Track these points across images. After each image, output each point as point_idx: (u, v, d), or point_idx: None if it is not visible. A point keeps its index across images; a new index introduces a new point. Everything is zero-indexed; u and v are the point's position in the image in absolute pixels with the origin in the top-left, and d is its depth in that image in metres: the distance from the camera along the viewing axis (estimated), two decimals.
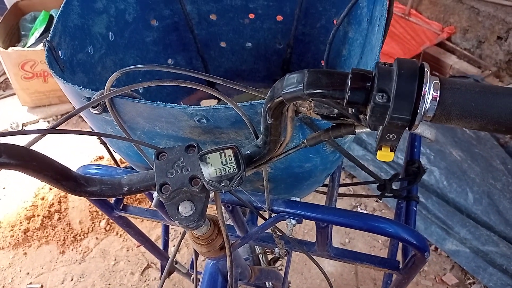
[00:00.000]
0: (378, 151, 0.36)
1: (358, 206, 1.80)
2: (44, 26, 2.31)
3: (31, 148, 0.42)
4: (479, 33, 2.33)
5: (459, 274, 1.56)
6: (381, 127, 0.34)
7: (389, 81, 0.32)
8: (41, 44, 2.24)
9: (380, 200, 1.68)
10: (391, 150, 0.36)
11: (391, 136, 0.34)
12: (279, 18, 0.88)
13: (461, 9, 2.35)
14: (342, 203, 1.79)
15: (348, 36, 0.76)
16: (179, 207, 0.46)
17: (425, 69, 0.32)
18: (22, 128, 2.29)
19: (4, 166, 0.39)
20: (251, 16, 0.90)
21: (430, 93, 0.31)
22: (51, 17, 2.36)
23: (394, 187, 0.76)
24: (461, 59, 2.41)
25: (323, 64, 0.86)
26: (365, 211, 1.79)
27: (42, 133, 0.44)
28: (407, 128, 0.33)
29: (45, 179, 0.43)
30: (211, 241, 0.55)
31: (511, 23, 2.15)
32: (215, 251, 0.57)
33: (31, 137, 0.46)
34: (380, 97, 0.32)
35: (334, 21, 0.82)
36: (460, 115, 0.32)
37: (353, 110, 0.36)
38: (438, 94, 0.31)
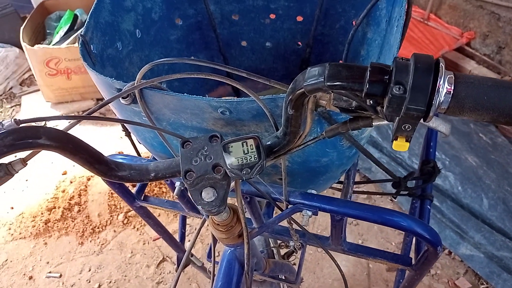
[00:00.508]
0: (394, 141, 0.38)
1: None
2: (69, 25, 2.38)
3: (67, 132, 0.46)
4: (499, 38, 2.31)
5: (473, 279, 1.56)
6: (397, 118, 0.36)
7: (406, 74, 0.34)
8: (66, 42, 2.32)
9: (395, 198, 1.68)
10: (407, 141, 0.38)
11: (406, 127, 0.36)
12: (299, 18, 0.90)
13: (481, 14, 2.34)
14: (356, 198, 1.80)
15: (367, 37, 0.78)
16: (202, 193, 0.49)
17: (440, 63, 0.34)
18: (45, 124, 2.36)
19: (44, 147, 0.43)
20: (272, 16, 0.92)
21: (445, 86, 0.33)
22: (75, 17, 2.43)
23: (409, 186, 0.77)
24: (480, 64, 2.39)
25: None
26: None
27: (78, 119, 0.47)
28: (422, 120, 0.35)
29: (80, 161, 0.46)
30: (230, 228, 0.58)
31: None
32: (234, 238, 0.59)
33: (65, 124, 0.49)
34: (397, 89, 0.34)
35: (353, 22, 0.84)
36: (473, 107, 0.34)
37: (371, 102, 0.38)
38: (452, 88, 0.33)
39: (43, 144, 0.42)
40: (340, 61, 0.89)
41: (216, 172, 0.48)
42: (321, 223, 1.76)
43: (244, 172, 0.47)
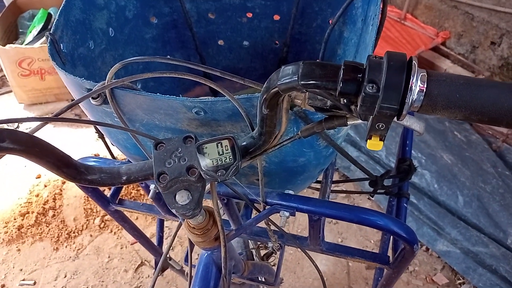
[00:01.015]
0: (368, 140, 0.38)
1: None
2: (42, 24, 2.32)
3: (33, 135, 0.44)
4: (473, 38, 2.36)
5: (450, 274, 1.59)
6: (371, 117, 0.36)
7: (379, 72, 0.33)
8: (39, 41, 2.26)
9: (372, 197, 1.70)
10: (380, 139, 0.37)
11: (380, 126, 0.36)
12: (276, 17, 0.89)
13: (456, 14, 2.39)
14: (334, 197, 1.81)
15: (343, 36, 0.78)
16: (176, 196, 0.47)
17: (413, 61, 0.34)
18: (18, 126, 2.29)
19: (8, 150, 0.40)
20: (249, 15, 0.91)
21: (417, 84, 0.33)
22: (49, 15, 2.36)
23: (385, 184, 0.78)
24: (455, 63, 2.44)
25: None
26: None
27: (45, 120, 0.45)
28: (395, 118, 0.35)
29: (47, 165, 0.44)
30: (206, 231, 0.56)
31: (504, 28, 2.19)
32: (210, 241, 0.58)
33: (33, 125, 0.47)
34: (370, 87, 0.33)
35: (330, 21, 0.84)
36: (446, 105, 0.33)
37: (345, 101, 0.38)
38: (425, 86, 0.33)
39: (7, 148, 0.40)
40: (317, 60, 0.89)
41: (190, 174, 0.47)
42: (301, 223, 1.76)
43: (219, 173, 0.46)
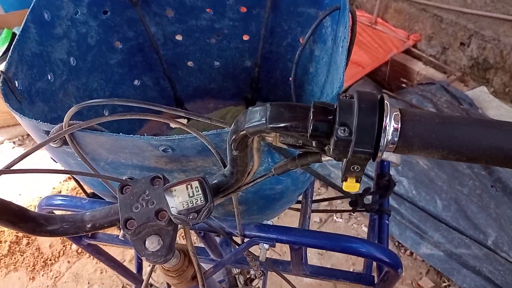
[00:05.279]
0: (344, 182, 0.36)
1: (334, 215, 1.80)
2: (7, 44, 2.24)
3: None
4: (443, 39, 2.40)
5: (435, 277, 1.59)
6: (345, 159, 0.34)
7: (350, 114, 0.32)
8: (4, 62, 2.18)
9: (353, 213, 1.69)
10: (357, 181, 0.35)
11: (355, 168, 0.34)
12: (246, 37, 0.87)
13: (425, 17, 2.43)
14: (317, 213, 1.80)
15: (315, 54, 0.76)
16: (146, 242, 0.45)
17: (385, 101, 0.32)
18: None
19: None
20: (218, 36, 0.89)
21: (391, 125, 0.31)
22: (13, 35, 2.29)
23: (366, 202, 0.76)
24: (427, 65, 2.48)
25: (291, 81, 0.87)
26: (341, 220, 1.80)
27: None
28: (370, 160, 0.33)
29: (1, 223, 0.40)
30: (182, 272, 0.54)
31: (472, 29, 2.23)
32: (187, 282, 0.55)
33: None
34: (342, 131, 0.31)
35: (301, 40, 0.82)
36: (422, 146, 0.32)
37: (317, 143, 0.36)
38: (399, 126, 0.31)
39: None
40: (290, 78, 0.87)
41: (160, 218, 0.44)
42: None
43: (191, 217, 0.43)
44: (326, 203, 1.78)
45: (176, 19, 0.86)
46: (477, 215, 1.65)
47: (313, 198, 0.84)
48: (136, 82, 0.92)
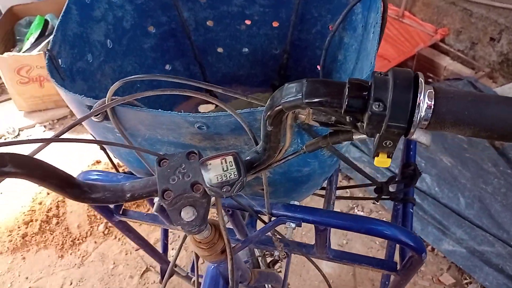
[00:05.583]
0: (376, 158, 0.37)
1: (355, 208, 1.81)
2: (40, 31, 2.31)
3: (34, 156, 0.43)
4: (472, 34, 2.35)
5: (456, 274, 1.58)
6: (378, 134, 0.35)
7: (385, 90, 0.33)
8: (37, 49, 2.25)
9: (377, 202, 1.69)
10: (388, 157, 0.37)
11: (387, 143, 0.35)
12: (275, 24, 0.89)
13: (454, 10, 2.38)
14: (339, 205, 1.80)
15: (344, 42, 0.77)
16: (181, 212, 0.47)
17: (420, 78, 0.33)
18: (18, 133, 2.29)
19: (10, 175, 0.40)
20: (248, 22, 0.91)
21: (425, 101, 0.32)
22: (46, 22, 2.36)
23: (390, 190, 0.77)
24: (455, 60, 2.43)
25: (319, 69, 0.88)
26: (362, 213, 1.80)
27: (46, 141, 0.44)
28: (403, 136, 0.34)
29: (50, 187, 0.44)
30: (212, 245, 0.56)
31: (503, 24, 2.18)
32: (217, 255, 0.57)
33: (35, 145, 0.46)
34: (377, 106, 0.33)
35: (330, 27, 0.83)
36: (454, 122, 0.33)
37: (351, 118, 0.37)
38: (433, 103, 0.32)
39: (9, 172, 0.40)
40: (318, 66, 0.88)
41: (195, 190, 0.47)
42: (305, 226, 1.75)
43: (224, 190, 0.45)
44: (348, 194, 1.79)
45: (208, 4, 0.88)
46: (501, 214, 1.62)
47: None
48: (167, 67, 0.95)
